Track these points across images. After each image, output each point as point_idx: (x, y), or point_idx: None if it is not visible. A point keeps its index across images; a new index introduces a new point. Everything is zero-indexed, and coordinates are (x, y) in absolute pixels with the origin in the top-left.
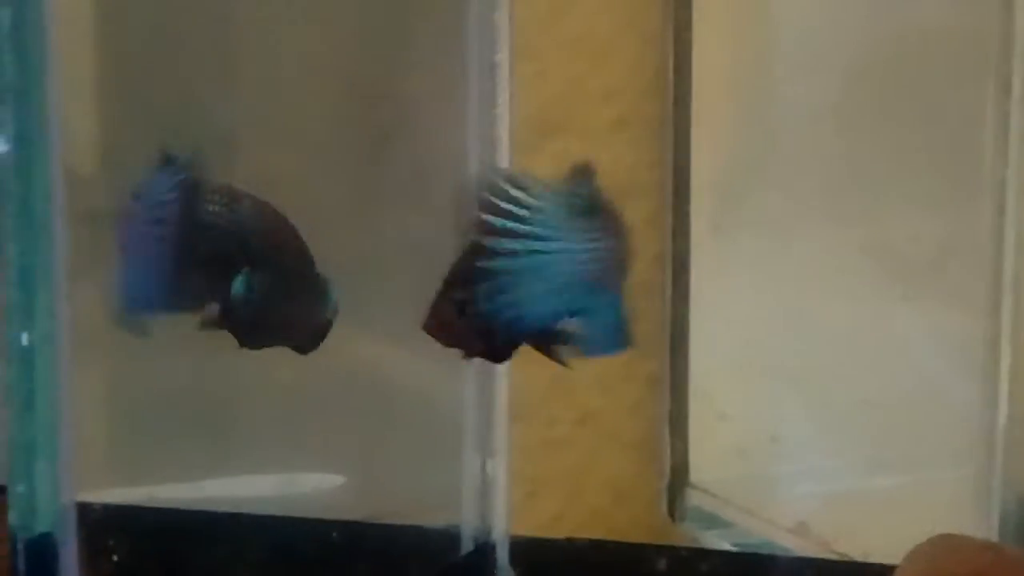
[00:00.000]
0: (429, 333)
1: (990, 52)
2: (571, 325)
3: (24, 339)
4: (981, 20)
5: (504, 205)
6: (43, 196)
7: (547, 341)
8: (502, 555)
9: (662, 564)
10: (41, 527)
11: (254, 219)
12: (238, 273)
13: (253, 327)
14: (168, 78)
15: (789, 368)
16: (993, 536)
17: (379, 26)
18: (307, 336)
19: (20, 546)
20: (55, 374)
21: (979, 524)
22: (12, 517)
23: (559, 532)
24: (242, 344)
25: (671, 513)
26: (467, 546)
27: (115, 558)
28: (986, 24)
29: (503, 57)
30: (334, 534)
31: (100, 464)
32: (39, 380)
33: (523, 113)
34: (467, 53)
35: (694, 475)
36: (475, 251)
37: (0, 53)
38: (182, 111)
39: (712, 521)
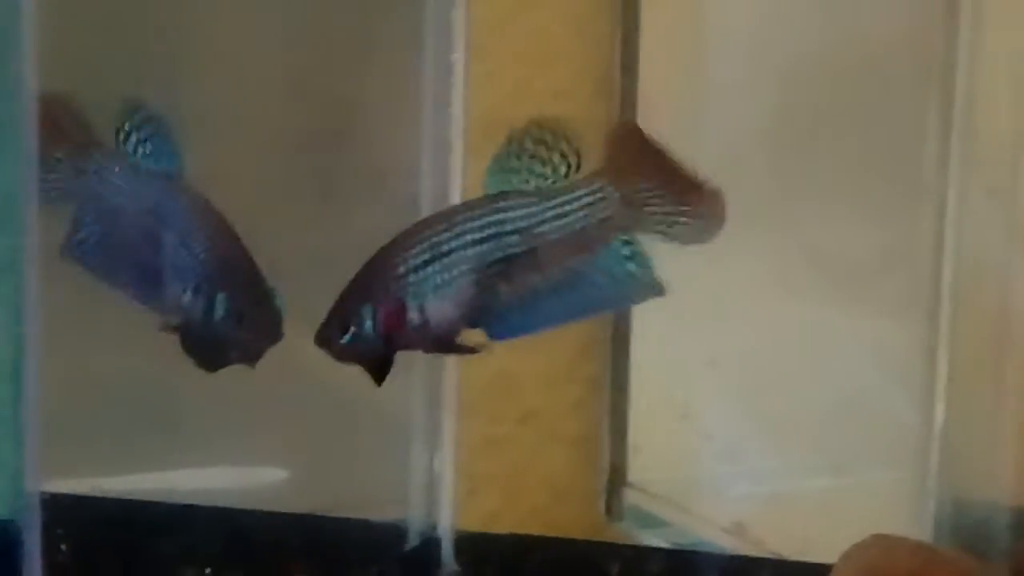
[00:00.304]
0: (319, 347)
1: (933, 63)
2: (473, 334)
3: None
4: (925, 31)
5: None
6: (10, 185)
7: (448, 350)
8: (447, 549)
9: (604, 561)
10: (3, 514)
11: (209, 237)
12: (197, 295)
13: (211, 350)
14: (119, 72)
15: (729, 371)
16: (928, 538)
17: (338, 24)
18: (257, 352)
19: None
20: (21, 361)
21: (914, 526)
22: None
23: (498, 529)
24: (200, 366)
25: (608, 512)
26: (413, 540)
27: (64, 547)
28: (930, 35)
29: (459, 57)
30: (284, 526)
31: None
32: (3, 368)
33: (473, 113)
34: (424, 52)
35: (632, 474)
36: (368, 271)
37: None
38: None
39: (649, 520)
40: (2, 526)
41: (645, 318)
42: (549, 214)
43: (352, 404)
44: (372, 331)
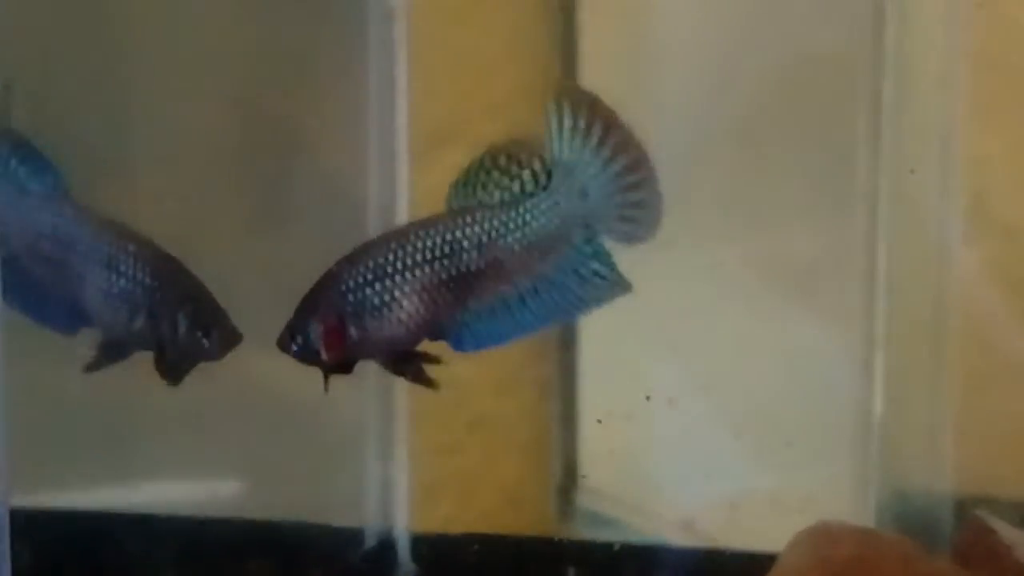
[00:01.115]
0: (281, 348)
1: (862, 75)
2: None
3: None
4: (854, 45)
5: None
6: None
7: (404, 363)
8: (403, 549)
9: (557, 557)
10: None
11: (141, 258)
12: (155, 319)
13: (181, 366)
14: (64, 93)
15: (676, 373)
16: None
17: (284, 42)
18: (221, 356)
19: None
20: None
21: (857, 517)
22: None
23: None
24: (170, 383)
25: (560, 513)
26: (370, 543)
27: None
28: (858, 49)
29: (401, 71)
30: (244, 531)
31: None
32: None
33: (416, 126)
34: (367, 68)
35: (583, 476)
36: (318, 286)
37: None
38: (77, 128)
39: (601, 521)
40: None
41: (592, 322)
42: (513, 224)
43: (307, 415)
44: (316, 344)
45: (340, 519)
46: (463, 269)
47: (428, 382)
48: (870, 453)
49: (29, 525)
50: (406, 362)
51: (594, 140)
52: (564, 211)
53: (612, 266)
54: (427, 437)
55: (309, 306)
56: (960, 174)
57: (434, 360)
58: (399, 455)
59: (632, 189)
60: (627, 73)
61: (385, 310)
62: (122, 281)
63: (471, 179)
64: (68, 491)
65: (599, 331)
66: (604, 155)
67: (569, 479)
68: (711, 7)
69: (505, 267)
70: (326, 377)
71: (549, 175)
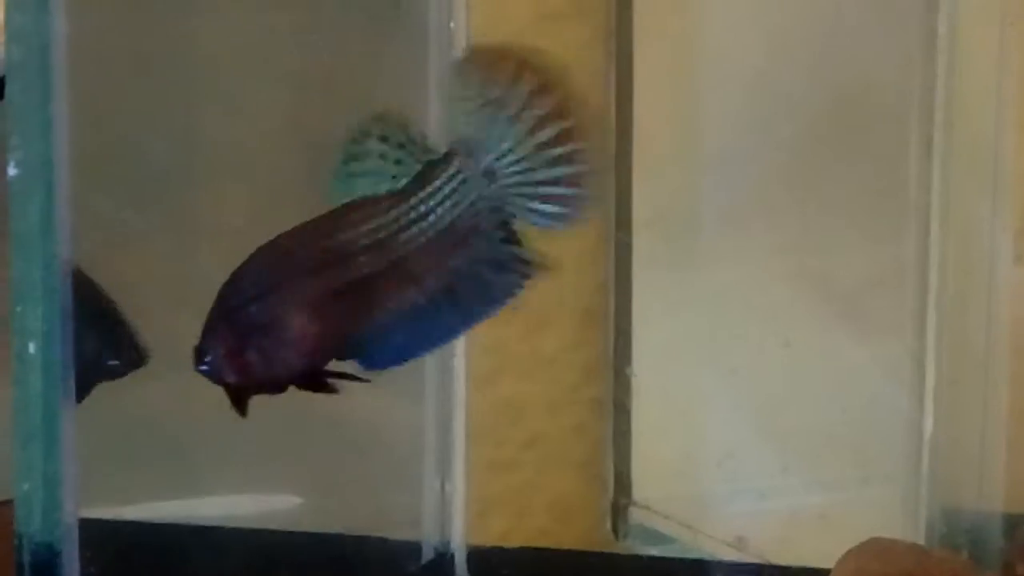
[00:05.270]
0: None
1: (913, 94)
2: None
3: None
4: (905, 65)
5: None
6: (45, 214)
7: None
8: (460, 564)
9: (611, 572)
10: (43, 537)
11: None
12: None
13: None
14: (128, 98)
15: (728, 392)
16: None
17: (345, 29)
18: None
19: (26, 556)
20: (58, 387)
21: (908, 534)
22: (17, 525)
23: None
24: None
25: (615, 530)
26: (428, 556)
27: (92, 570)
28: (910, 69)
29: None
30: (302, 545)
31: None
32: (44, 390)
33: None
34: (429, 57)
35: (637, 493)
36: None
37: (12, 84)
38: (142, 129)
39: (654, 537)
40: (46, 549)
41: (646, 341)
42: (408, 219)
43: (367, 432)
44: (220, 367)
45: (399, 533)
46: (357, 276)
47: (333, 389)
48: (920, 470)
49: (97, 535)
50: (318, 385)
51: (511, 110)
52: (468, 196)
53: (529, 245)
54: (484, 454)
55: (209, 326)
56: (1011, 193)
57: (349, 377)
58: (456, 471)
59: (552, 164)
60: (683, 89)
61: (272, 330)
62: None
63: (346, 169)
64: (134, 503)
65: (653, 349)
66: (519, 128)
67: (622, 496)
68: (764, 29)
69: (409, 268)
70: (235, 401)
71: (447, 156)
